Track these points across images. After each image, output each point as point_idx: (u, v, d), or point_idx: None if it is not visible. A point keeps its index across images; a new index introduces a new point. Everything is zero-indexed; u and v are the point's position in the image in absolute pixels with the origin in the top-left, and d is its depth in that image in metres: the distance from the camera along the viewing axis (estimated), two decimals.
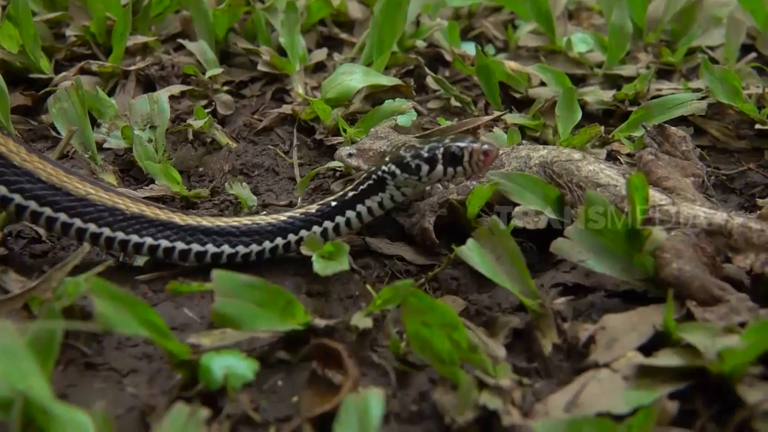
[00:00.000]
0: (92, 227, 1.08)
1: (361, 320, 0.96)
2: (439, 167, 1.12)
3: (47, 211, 1.07)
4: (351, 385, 0.84)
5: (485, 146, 1.11)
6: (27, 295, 0.97)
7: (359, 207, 1.14)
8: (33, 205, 1.07)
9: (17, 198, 1.06)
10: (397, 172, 1.13)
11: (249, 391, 0.88)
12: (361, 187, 1.15)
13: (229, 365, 0.86)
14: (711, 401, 0.86)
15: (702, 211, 1.05)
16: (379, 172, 1.14)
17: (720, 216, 1.04)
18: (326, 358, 0.89)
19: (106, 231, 1.08)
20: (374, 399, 0.78)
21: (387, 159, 1.15)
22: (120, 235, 1.09)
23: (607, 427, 0.77)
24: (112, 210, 1.09)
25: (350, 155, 1.27)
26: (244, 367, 0.87)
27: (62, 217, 1.07)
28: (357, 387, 0.85)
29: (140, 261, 1.13)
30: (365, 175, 1.16)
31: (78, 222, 1.08)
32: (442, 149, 1.12)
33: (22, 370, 0.72)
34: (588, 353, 0.92)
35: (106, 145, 1.40)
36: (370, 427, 0.76)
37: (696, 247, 1.01)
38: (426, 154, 1.12)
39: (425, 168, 1.12)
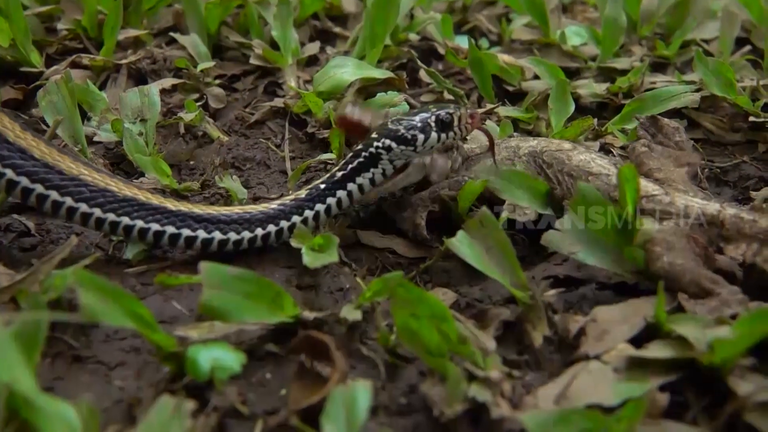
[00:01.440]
0: (83, 207, 1.07)
1: (351, 313, 0.95)
2: (434, 134, 1.14)
3: (38, 188, 1.06)
4: (339, 378, 0.83)
5: (469, 110, 1.17)
6: (14, 288, 0.96)
7: (350, 185, 1.15)
8: (24, 181, 1.06)
9: (9, 173, 1.06)
10: (393, 145, 1.14)
11: (237, 383, 0.87)
12: (350, 165, 1.15)
13: (217, 357, 0.85)
14: (702, 393, 0.85)
15: (695, 202, 1.04)
16: (372, 149, 1.14)
17: (712, 206, 1.03)
18: (314, 350, 0.88)
19: (97, 212, 1.07)
20: (362, 391, 0.77)
21: (375, 135, 1.15)
22: (110, 216, 1.08)
23: (597, 419, 0.76)
24: (103, 191, 1.08)
25: (353, 107, 1.25)
26: (231, 359, 0.86)
27: (53, 195, 1.07)
28: (345, 379, 0.84)
29: (129, 254, 1.12)
30: (352, 154, 1.16)
31: (69, 201, 1.07)
32: (433, 117, 1.14)
33: (6, 362, 0.71)
34: (578, 345, 0.91)
35: (96, 139, 1.39)
36: (357, 419, 0.76)
37: (688, 238, 1.00)
38: (420, 124, 1.14)
39: (421, 137, 1.14)
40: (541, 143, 1.21)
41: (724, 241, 1.02)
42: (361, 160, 1.15)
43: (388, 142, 1.14)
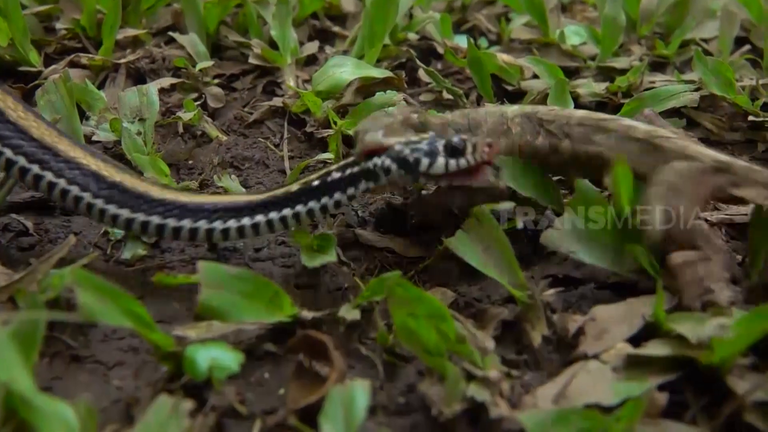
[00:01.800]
0: (75, 190, 1.07)
1: (349, 312, 0.95)
2: (441, 159, 1.03)
3: (35, 168, 1.07)
4: (337, 377, 0.83)
5: (488, 140, 1.06)
6: (12, 288, 0.96)
7: (355, 185, 1.06)
8: (22, 161, 1.07)
9: (8, 152, 1.07)
10: (393, 167, 1.04)
11: (235, 383, 0.87)
12: (350, 170, 1.06)
13: (215, 357, 0.85)
14: (701, 392, 0.85)
15: (709, 150, 1.05)
16: (371, 165, 1.05)
17: (725, 156, 1.04)
18: (313, 350, 0.88)
19: (87, 197, 1.07)
20: (360, 391, 0.77)
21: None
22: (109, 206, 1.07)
23: (596, 418, 0.77)
24: (95, 175, 1.08)
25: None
26: (229, 359, 0.86)
27: (48, 176, 1.07)
28: (343, 379, 0.84)
29: (127, 254, 1.12)
30: (355, 159, 1.08)
31: (62, 183, 1.07)
32: (443, 141, 1.04)
33: (4, 362, 0.71)
34: (577, 345, 0.91)
35: (94, 138, 1.39)
36: (356, 419, 0.76)
37: (696, 181, 1.01)
38: (426, 147, 1.04)
39: (425, 162, 1.03)
40: (527, 107, 1.18)
41: (733, 186, 1.01)
42: (358, 171, 1.06)
43: (388, 162, 1.04)
